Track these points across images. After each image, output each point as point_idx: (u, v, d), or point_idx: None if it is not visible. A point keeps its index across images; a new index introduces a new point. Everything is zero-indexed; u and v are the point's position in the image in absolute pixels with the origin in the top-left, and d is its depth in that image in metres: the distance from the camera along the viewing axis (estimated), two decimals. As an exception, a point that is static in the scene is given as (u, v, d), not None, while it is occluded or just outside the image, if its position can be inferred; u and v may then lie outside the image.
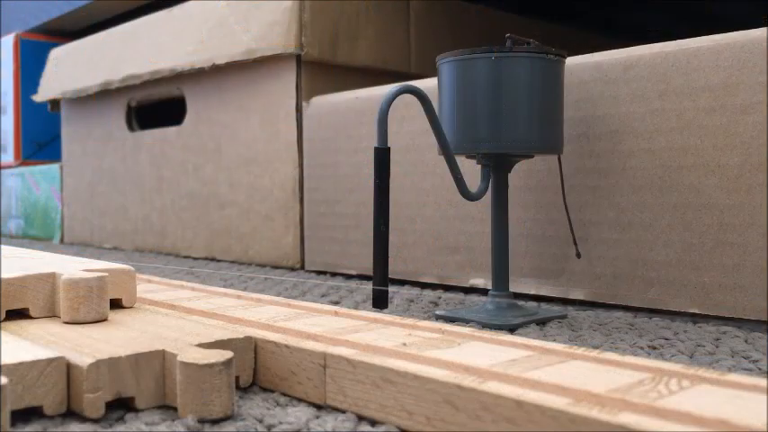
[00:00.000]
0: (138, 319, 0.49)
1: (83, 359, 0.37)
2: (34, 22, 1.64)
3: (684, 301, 0.60)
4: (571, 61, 0.66)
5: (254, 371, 0.43)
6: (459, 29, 1.14)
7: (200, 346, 0.40)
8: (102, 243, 1.35)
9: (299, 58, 0.96)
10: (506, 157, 0.59)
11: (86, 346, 0.40)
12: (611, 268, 0.64)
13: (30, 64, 1.61)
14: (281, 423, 0.36)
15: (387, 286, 0.54)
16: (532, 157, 0.61)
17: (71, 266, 0.53)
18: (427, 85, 0.69)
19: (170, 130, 1.18)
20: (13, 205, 1.63)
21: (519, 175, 0.69)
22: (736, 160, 0.57)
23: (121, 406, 0.38)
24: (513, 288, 0.68)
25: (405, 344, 0.43)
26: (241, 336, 0.43)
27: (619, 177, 0.63)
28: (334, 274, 0.90)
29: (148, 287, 0.64)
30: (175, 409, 0.38)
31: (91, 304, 0.47)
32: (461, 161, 0.61)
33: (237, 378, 0.42)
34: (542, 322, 0.59)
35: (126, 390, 0.38)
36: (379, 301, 0.53)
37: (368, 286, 0.75)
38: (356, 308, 0.65)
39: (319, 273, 0.92)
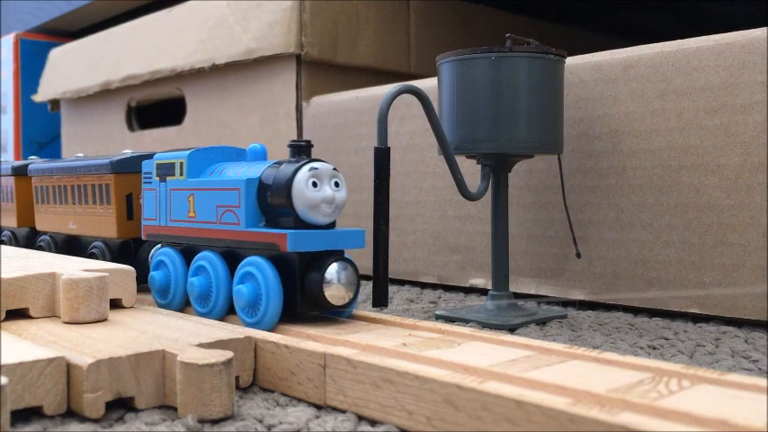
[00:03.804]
0: (138, 319, 0.49)
1: (83, 359, 0.37)
2: (34, 22, 1.64)
3: (684, 301, 0.60)
4: (571, 61, 0.66)
5: (254, 371, 0.43)
6: (459, 29, 1.14)
7: (201, 346, 0.40)
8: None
9: (299, 57, 0.96)
10: (506, 157, 0.59)
11: (86, 346, 0.40)
12: (611, 268, 0.64)
13: (30, 64, 1.61)
14: (281, 423, 0.36)
15: (387, 286, 0.54)
16: (532, 157, 0.61)
17: (71, 266, 0.53)
18: (427, 85, 0.69)
19: (170, 130, 1.18)
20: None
21: (519, 175, 0.69)
22: (736, 160, 0.57)
23: (121, 406, 0.38)
24: (513, 288, 0.68)
25: (405, 344, 0.43)
26: (241, 336, 0.43)
27: (619, 177, 0.63)
28: (334, 274, 0.90)
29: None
30: (175, 409, 0.38)
31: (91, 304, 0.47)
32: (461, 161, 0.61)
33: (237, 378, 0.42)
34: (542, 322, 0.59)
35: (126, 390, 0.38)
36: (379, 301, 0.53)
37: (368, 286, 0.75)
38: (356, 308, 0.65)
39: (319, 273, 0.92)
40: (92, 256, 0.67)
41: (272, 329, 0.48)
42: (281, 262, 0.49)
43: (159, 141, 1.20)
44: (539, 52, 0.57)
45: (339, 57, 0.98)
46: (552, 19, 1.34)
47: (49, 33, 1.67)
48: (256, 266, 0.49)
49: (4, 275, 0.49)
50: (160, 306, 0.58)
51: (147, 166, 0.61)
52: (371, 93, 0.86)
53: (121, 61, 1.24)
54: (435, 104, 0.58)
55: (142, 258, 0.64)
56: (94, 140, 1.36)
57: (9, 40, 1.63)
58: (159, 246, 0.60)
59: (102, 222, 0.66)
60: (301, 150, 0.51)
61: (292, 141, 0.52)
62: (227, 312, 0.53)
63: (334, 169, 0.51)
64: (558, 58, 0.58)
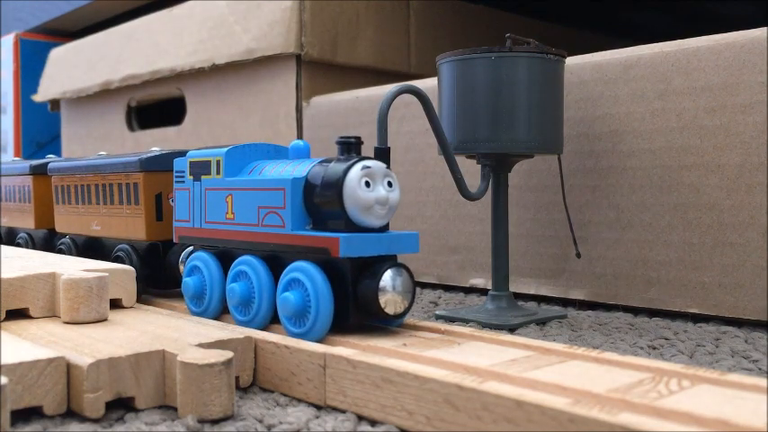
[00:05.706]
0: (139, 319, 0.49)
1: (83, 359, 0.37)
2: (34, 22, 1.64)
3: (684, 301, 0.60)
4: (571, 61, 0.66)
5: (254, 371, 0.43)
6: (459, 29, 1.14)
7: (201, 346, 0.40)
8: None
9: (299, 57, 0.96)
10: (506, 157, 0.59)
11: (86, 346, 0.40)
12: (611, 268, 0.64)
13: (30, 64, 1.61)
14: (281, 423, 0.36)
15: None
16: (532, 157, 0.61)
17: (71, 266, 0.53)
18: (427, 85, 0.69)
19: (170, 130, 1.18)
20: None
21: (519, 175, 0.69)
22: (736, 160, 0.57)
23: (121, 406, 0.38)
24: (513, 288, 0.68)
25: (405, 344, 0.43)
26: (241, 336, 0.43)
27: (619, 177, 0.63)
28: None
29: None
30: (175, 409, 0.38)
31: (91, 304, 0.47)
32: (461, 161, 0.61)
33: (237, 378, 0.42)
34: (542, 322, 0.59)
35: (126, 390, 0.38)
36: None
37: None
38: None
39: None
40: (117, 259, 0.63)
41: (321, 341, 0.44)
42: (330, 268, 0.45)
43: (159, 141, 1.20)
44: (539, 52, 0.57)
45: (339, 57, 0.98)
46: (552, 19, 1.34)
47: (49, 33, 1.67)
48: (304, 272, 0.45)
49: (4, 275, 0.49)
50: (194, 314, 0.53)
51: (180, 164, 0.57)
52: (371, 93, 0.86)
53: (121, 61, 1.24)
54: (435, 104, 0.58)
55: (171, 262, 0.60)
56: (94, 140, 1.36)
57: (9, 40, 1.63)
58: (191, 249, 0.57)
59: (129, 224, 0.62)
60: (351, 147, 0.48)
61: (341, 138, 0.47)
62: (270, 321, 0.49)
63: (387, 168, 0.47)
64: (558, 58, 0.58)
